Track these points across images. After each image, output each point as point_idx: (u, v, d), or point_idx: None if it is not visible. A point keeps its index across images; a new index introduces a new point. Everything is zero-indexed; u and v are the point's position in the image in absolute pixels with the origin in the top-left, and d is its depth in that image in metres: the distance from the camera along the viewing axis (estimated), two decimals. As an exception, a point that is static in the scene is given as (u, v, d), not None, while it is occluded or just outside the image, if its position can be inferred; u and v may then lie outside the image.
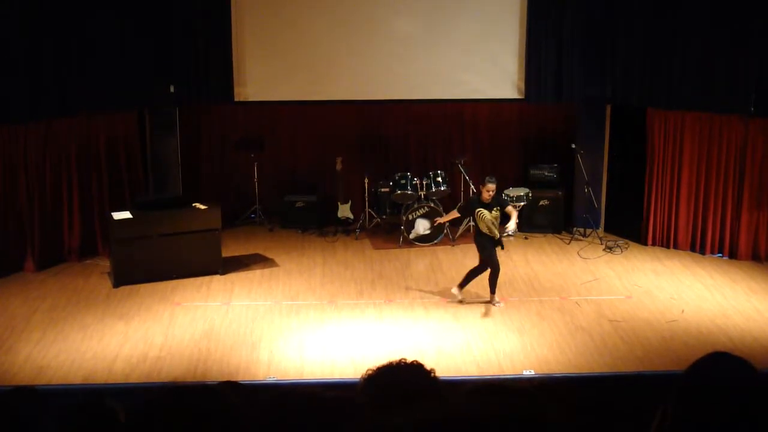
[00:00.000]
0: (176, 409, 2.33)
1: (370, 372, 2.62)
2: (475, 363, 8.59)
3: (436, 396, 2.52)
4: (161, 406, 2.35)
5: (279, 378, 8.16)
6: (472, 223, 12.35)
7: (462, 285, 10.13)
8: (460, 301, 10.11)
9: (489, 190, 9.75)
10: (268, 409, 2.33)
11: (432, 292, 10.52)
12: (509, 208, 10.14)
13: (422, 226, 12.21)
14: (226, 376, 8.23)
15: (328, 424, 2.25)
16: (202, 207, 11.08)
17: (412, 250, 12.11)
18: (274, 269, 11.38)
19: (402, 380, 2.57)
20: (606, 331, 9.35)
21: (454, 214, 10.65)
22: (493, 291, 10.05)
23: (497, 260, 9.96)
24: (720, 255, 11.77)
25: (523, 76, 12.57)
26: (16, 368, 8.47)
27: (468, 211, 10.33)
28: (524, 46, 12.48)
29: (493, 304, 10.04)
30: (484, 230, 9.81)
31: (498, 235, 9.83)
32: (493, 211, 9.80)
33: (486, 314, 9.84)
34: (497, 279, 10.01)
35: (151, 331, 9.39)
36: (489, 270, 10.01)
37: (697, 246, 11.95)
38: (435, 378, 2.62)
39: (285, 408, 2.32)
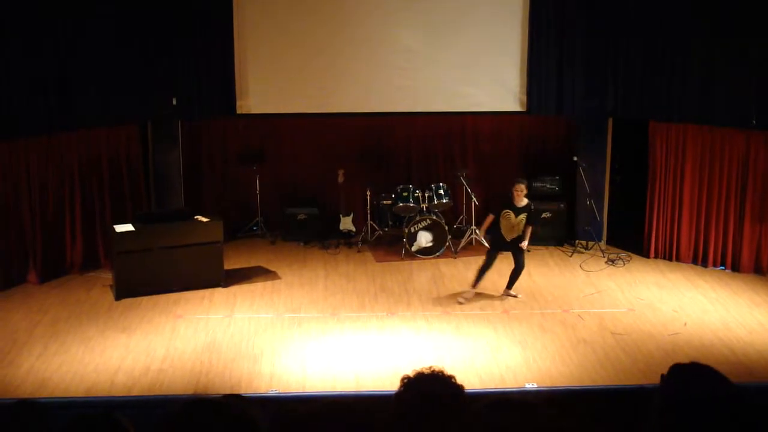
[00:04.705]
0: (202, 423, 2.35)
1: (406, 380, 2.64)
2: (477, 376, 8.57)
3: (460, 410, 2.53)
4: (188, 419, 2.36)
5: (281, 391, 8.15)
6: (474, 236, 12.42)
7: (473, 285, 10.69)
8: (515, 296, 10.75)
9: (518, 189, 10.28)
10: (289, 423, 2.35)
11: (434, 305, 10.51)
12: (528, 228, 10.45)
13: (424, 239, 12.20)
14: (228, 389, 8.23)
15: None
16: (204, 220, 11.09)
17: (415, 262, 12.10)
18: (276, 282, 11.38)
19: (434, 392, 2.59)
20: (608, 344, 9.34)
21: (490, 218, 10.66)
22: (474, 284, 10.63)
23: (494, 258, 10.53)
24: (722, 268, 11.76)
25: (524, 89, 12.58)
26: (18, 381, 8.46)
27: (497, 209, 10.57)
28: (526, 59, 12.50)
29: (464, 299, 10.63)
30: (502, 227, 10.38)
31: (508, 239, 10.39)
32: (519, 217, 10.32)
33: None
34: (482, 273, 10.55)
35: (153, 343, 9.38)
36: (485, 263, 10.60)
37: (700, 259, 11.93)
38: (461, 391, 2.64)
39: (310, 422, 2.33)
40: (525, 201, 10.36)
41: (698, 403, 2.40)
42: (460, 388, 2.62)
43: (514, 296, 10.71)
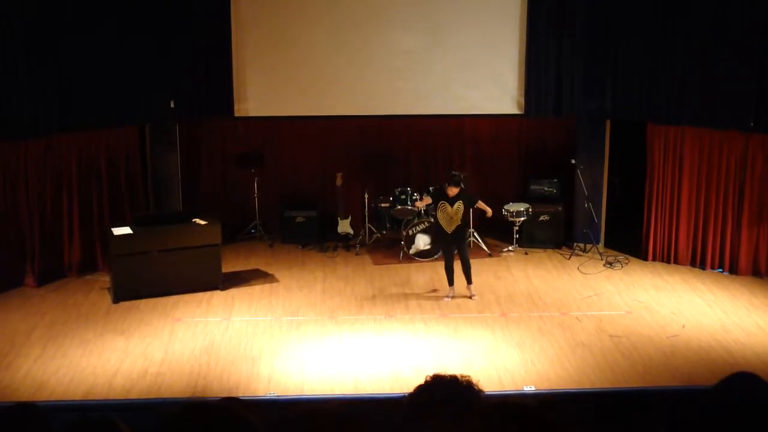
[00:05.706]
0: (200, 426, 2.35)
1: (434, 377, 2.66)
2: (475, 379, 8.54)
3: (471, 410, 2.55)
4: (185, 422, 2.37)
5: (279, 394, 8.15)
6: (472, 239, 12.40)
7: (449, 284, 10.77)
8: (453, 297, 10.75)
9: (450, 190, 10.41)
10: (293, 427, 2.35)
11: (432, 308, 10.51)
12: (480, 204, 10.79)
13: (422, 241, 12.20)
14: (227, 391, 8.23)
15: None
16: (202, 222, 11.08)
17: (413, 265, 12.10)
18: (275, 284, 11.37)
19: (447, 394, 2.61)
20: (606, 347, 9.33)
21: (426, 199, 11.25)
22: (450, 283, 10.72)
23: (449, 253, 10.69)
24: (720, 270, 11.76)
25: (523, 91, 12.59)
26: (16, 384, 8.46)
27: (435, 198, 10.79)
28: (524, 62, 12.50)
29: (449, 297, 10.75)
30: (440, 220, 10.54)
31: (449, 231, 10.53)
32: (455, 206, 10.46)
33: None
34: (450, 271, 10.68)
35: (151, 346, 9.37)
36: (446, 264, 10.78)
37: (698, 261, 11.93)
38: (477, 392, 2.66)
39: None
40: (457, 191, 10.47)
41: (753, 411, 2.42)
42: (481, 402, 2.63)
43: (469, 297, 10.70)
